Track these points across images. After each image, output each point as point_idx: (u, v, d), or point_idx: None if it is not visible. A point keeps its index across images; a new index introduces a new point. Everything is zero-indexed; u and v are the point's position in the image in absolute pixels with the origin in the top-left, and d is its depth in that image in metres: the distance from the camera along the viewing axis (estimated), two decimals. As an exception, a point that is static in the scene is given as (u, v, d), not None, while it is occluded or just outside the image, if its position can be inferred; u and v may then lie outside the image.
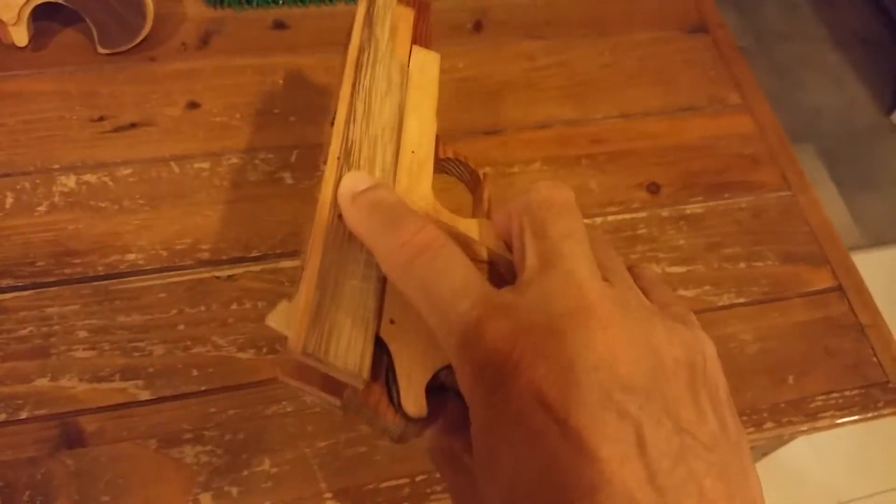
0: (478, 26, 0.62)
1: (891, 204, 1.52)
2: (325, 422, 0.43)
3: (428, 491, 0.42)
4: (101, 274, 0.46)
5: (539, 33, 0.62)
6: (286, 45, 0.57)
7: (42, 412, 0.42)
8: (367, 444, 0.43)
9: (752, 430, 0.47)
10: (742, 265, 0.53)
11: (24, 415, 0.42)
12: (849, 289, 0.53)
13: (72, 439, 0.41)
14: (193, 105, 0.54)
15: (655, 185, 0.56)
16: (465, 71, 0.59)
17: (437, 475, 0.43)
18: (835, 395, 0.49)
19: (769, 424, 0.48)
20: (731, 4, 1.73)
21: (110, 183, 0.50)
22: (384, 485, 0.42)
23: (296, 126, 0.54)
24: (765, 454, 0.69)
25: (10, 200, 0.48)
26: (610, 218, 0.53)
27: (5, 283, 0.45)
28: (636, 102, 0.60)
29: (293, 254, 0.49)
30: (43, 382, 0.43)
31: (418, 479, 0.43)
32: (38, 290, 0.45)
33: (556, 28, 0.63)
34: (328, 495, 0.42)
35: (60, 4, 0.52)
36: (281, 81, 0.56)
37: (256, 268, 0.48)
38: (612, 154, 0.56)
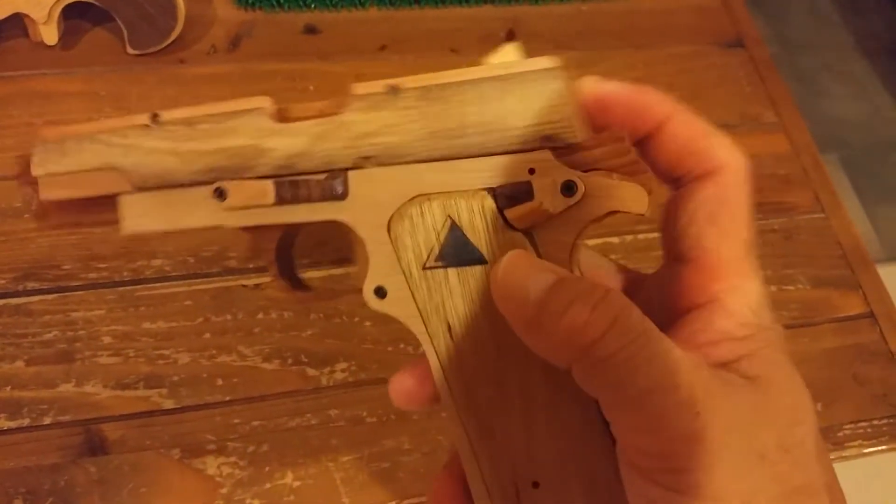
0: (510, 36, 0.61)
1: (913, 218, 1.50)
2: (349, 436, 0.43)
3: (450, 510, 0.42)
4: (127, 279, 0.46)
5: (571, 44, 0.61)
6: (317, 50, 0.57)
7: (66, 418, 0.42)
8: (391, 459, 0.43)
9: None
10: (773, 288, 0.53)
11: (48, 420, 0.41)
12: (880, 315, 0.53)
13: (95, 446, 0.41)
14: (222, 109, 0.53)
15: (687, 203, 0.55)
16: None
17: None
18: (863, 423, 0.48)
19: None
20: (756, 13, 1.71)
21: (138, 186, 0.50)
22: (406, 502, 0.42)
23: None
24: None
25: (36, 202, 0.48)
26: (641, 236, 0.53)
27: (31, 285, 0.45)
28: (669, 118, 0.59)
29: (320, 264, 0.48)
30: (67, 388, 0.42)
31: (441, 497, 0.42)
32: (63, 293, 0.45)
33: (589, 39, 0.62)
34: (350, 511, 0.41)
35: (91, 3, 0.52)
36: (311, 88, 0.55)
37: (283, 277, 0.48)
38: (643, 171, 0.56)
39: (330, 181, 0.26)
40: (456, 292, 0.25)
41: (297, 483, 0.41)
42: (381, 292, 0.26)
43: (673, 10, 0.64)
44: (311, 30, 0.58)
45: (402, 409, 0.42)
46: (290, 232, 0.28)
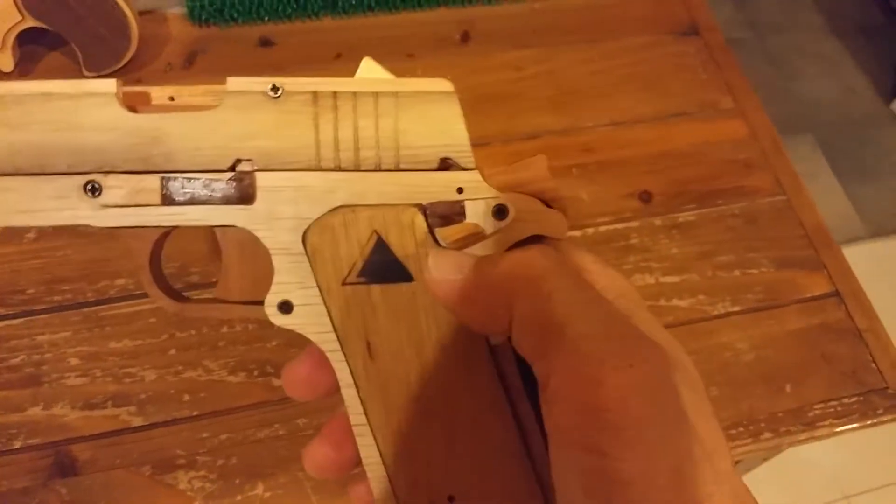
0: (465, 37, 0.61)
1: (892, 194, 1.51)
2: (318, 443, 0.43)
3: (422, 511, 0.42)
4: (91, 300, 0.46)
5: (526, 42, 0.62)
6: (273, 62, 0.57)
7: (36, 441, 0.42)
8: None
9: (749, 441, 0.47)
10: (736, 273, 0.53)
11: (17, 444, 0.42)
12: (846, 294, 0.53)
13: (65, 467, 0.41)
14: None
15: (647, 193, 0.55)
16: (454, 83, 0.59)
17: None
18: (833, 402, 0.49)
19: (767, 435, 0.47)
20: (727, -3, 1.72)
21: (99, 207, 0.50)
22: (379, 506, 0.42)
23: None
24: (764, 459, 0.69)
25: (-2, 228, 0.48)
26: (602, 228, 0.53)
27: (-4, 312, 0.45)
28: (626, 110, 0.59)
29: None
30: (36, 411, 0.43)
31: (413, 498, 0.43)
32: (29, 317, 0.45)
33: (544, 36, 0.62)
34: (322, 518, 0.42)
35: (45, 29, 0.52)
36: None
37: (246, 290, 0.48)
38: (602, 163, 0.56)
39: (235, 183, 0.23)
40: (379, 310, 0.24)
41: (267, 494, 0.42)
42: (286, 307, 0.24)
43: (627, 2, 0.65)
44: (265, 42, 0.58)
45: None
46: (164, 237, 0.25)
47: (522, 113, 0.58)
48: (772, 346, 0.50)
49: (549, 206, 0.25)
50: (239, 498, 0.42)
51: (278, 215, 0.23)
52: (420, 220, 0.24)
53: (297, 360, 0.26)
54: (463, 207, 0.24)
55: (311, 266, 0.23)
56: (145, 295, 0.47)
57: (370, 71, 0.24)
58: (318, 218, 0.23)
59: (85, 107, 0.22)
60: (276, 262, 0.24)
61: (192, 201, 0.23)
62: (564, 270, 0.22)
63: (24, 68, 0.55)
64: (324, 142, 0.23)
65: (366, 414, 0.24)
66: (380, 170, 0.23)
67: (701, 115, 0.60)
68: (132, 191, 0.23)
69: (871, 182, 1.52)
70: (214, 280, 0.48)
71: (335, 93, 0.23)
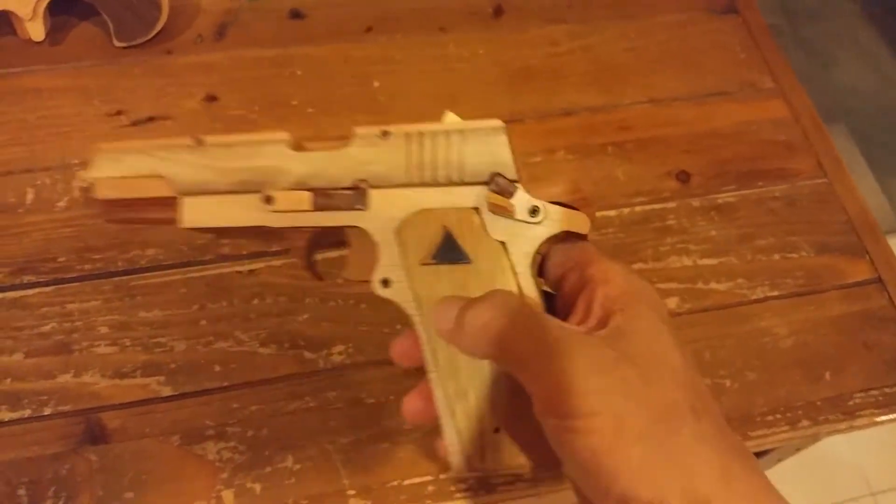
0: (498, 11, 0.60)
1: (928, 187, 1.47)
2: (348, 417, 0.43)
3: (452, 489, 0.42)
4: (122, 269, 0.46)
5: (561, 17, 0.60)
6: (303, 35, 0.56)
7: (66, 408, 0.42)
8: (391, 440, 0.43)
9: (786, 428, 0.46)
10: (776, 256, 0.52)
11: (48, 411, 0.42)
12: (888, 281, 0.51)
13: (95, 435, 0.41)
14: (211, 98, 0.53)
15: (685, 173, 0.54)
16: (485, 58, 0.58)
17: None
18: (874, 391, 0.47)
19: (804, 423, 0.46)
20: (760, -17, 1.68)
21: (130, 177, 0.50)
22: (407, 482, 0.42)
23: (314, 117, 0.53)
24: (798, 449, 0.68)
25: (30, 196, 0.48)
26: (638, 209, 0.52)
27: (27, 278, 0.45)
28: (664, 87, 0.58)
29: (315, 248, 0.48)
30: (66, 378, 0.43)
31: (442, 476, 0.42)
32: (60, 285, 0.45)
33: (579, 11, 0.61)
34: (351, 492, 0.41)
35: (77, -2, 0.52)
36: (299, 72, 0.55)
37: (277, 262, 0.47)
38: (639, 142, 0.55)
39: (356, 195, 0.33)
40: (444, 282, 0.33)
41: (297, 466, 0.41)
42: (386, 283, 0.33)
43: (664, -22, 0.63)
44: (296, 15, 0.57)
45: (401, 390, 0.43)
46: (316, 233, 0.35)
47: (558, 89, 0.57)
48: (811, 332, 0.49)
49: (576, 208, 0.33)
50: (268, 470, 0.41)
51: (382, 217, 0.33)
52: (476, 218, 0.33)
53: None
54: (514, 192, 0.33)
55: (400, 252, 0.33)
56: (176, 265, 0.47)
57: (450, 118, 0.34)
58: (406, 218, 0.33)
59: (265, 147, 0.33)
60: (379, 250, 0.33)
61: (329, 207, 0.33)
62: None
63: (54, 38, 0.55)
64: (413, 165, 0.33)
65: (436, 364, 0.33)
66: (450, 184, 0.33)
67: (740, 95, 0.59)
68: (293, 201, 0.33)
69: (905, 174, 1.49)
70: (245, 252, 0.47)
71: (421, 133, 0.33)
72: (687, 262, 0.50)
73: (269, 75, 0.55)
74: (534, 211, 0.32)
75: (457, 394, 0.33)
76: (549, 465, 0.30)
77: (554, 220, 0.33)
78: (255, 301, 0.46)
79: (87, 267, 0.46)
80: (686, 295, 0.49)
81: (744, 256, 0.51)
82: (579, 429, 0.26)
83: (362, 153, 0.33)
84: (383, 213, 0.33)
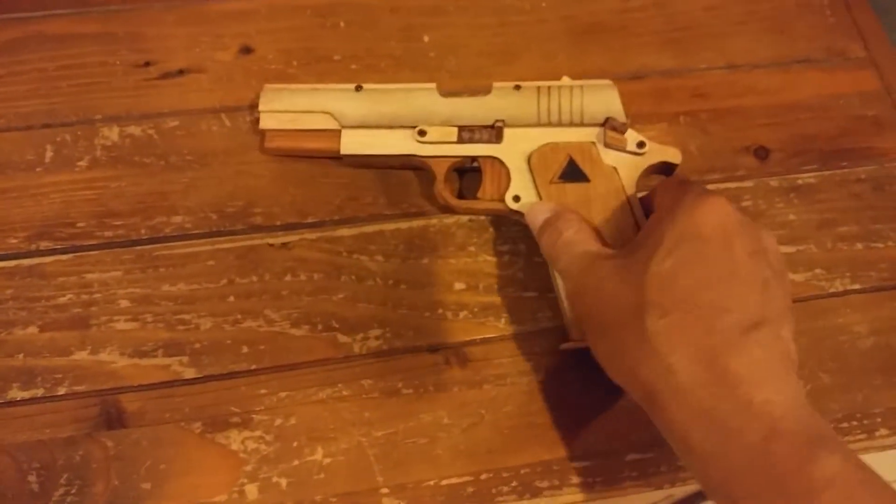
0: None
1: None
2: (383, 408, 0.40)
3: (494, 491, 0.38)
4: (145, 238, 0.43)
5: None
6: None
7: (82, 388, 0.39)
8: (428, 435, 0.39)
9: (862, 436, 0.41)
10: (859, 246, 0.47)
11: (62, 390, 0.39)
12: None
13: (112, 419, 0.38)
14: (246, 50, 0.49)
15: (764, 149, 0.49)
16: (548, 11, 0.52)
17: (504, 474, 0.39)
18: (967, 396, 0.43)
19: (883, 431, 0.42)
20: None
21: (156, 136, 0.46)
22: (445, 482, 0.38)
23: (358, 74, 0.49)
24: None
25: (49, 154, 0.45)
26: (711, 186, 0.47)
27: (44, 245, 0.42)
28: (744, 52, 0.52)
29: (351, 221, 0.44)
30: (82, 356, 0.40)
31: (483, 477, 0.39)
32: (79, 253, 0.42)
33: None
34: (385, 490, 0.38)
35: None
36: (342, 24, 0.51)
37: (312, 235, 0.44)
38: (715, 112, 0.50)
39: (495, 131, 0.43)
40: (569, 196, 0.41)
41: (327, 460, 0.38)
42: (517, 199, 0.42)
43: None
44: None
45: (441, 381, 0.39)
46: (455, 163, 0.44)
47: (627, 49, 0.51)
48: (895, 332, 0.44)
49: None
50: (296, 463, 0.38)
51: (515, 149, 0.43)
52: (594, 149, 0.43)
53: None
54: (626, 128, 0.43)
55: (531, 175, 0.42)
56: (204, 234, 0.43)
57: (566, 80, 0.44)
58: (536, 149, 0.43)
59: (418, 93, 0.44)
60: (513, 174, 0.42)
61: (471, 140, 0.43)
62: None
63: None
64: (542, 111, 0.43)
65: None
66: (572, 125, 0.43)
67: (827, 64, 0.53)
68: (442, 135, 0.43)
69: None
70: (278, 223, 0.44)
71: (549, 86, 0.44)
72: (762, 250, 0.45)
73: (309, 25, 0.50)
74: (640, 144, 0.42)
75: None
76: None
77: (653, 151, 0.42)
78: (288, 277, 0.42)
79: (107, 234, 0.43)
80: (760, 287, 0.44)
81: (823, 244, 0.46)
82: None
83: (499, 101, 0.43)
84: (516, 146, 0.43)
